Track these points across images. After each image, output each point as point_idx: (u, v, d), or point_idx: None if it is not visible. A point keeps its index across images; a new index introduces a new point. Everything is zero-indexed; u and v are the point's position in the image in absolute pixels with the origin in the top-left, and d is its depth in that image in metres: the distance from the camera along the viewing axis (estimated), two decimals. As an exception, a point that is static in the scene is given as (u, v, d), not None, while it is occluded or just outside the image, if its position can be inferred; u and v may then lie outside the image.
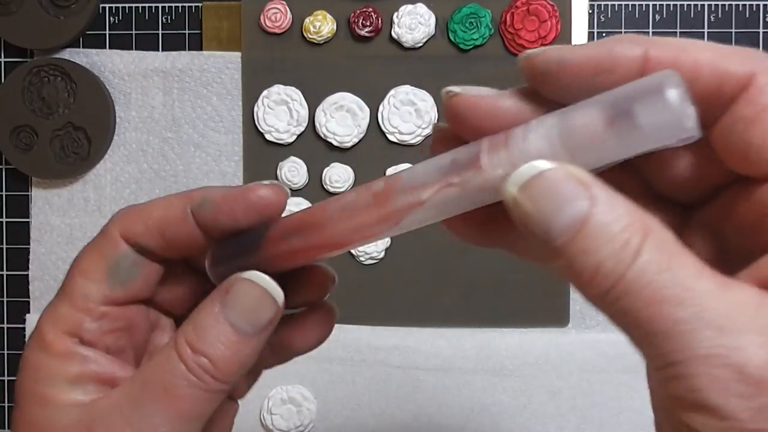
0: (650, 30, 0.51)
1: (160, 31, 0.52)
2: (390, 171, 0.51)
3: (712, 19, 0.50)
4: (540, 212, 0.17)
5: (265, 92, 0.51)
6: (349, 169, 0.51)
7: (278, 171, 0.51)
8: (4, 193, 0.53)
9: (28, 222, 0.53)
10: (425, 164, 0.20)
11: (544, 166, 0.17)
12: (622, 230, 0.17)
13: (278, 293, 0.23)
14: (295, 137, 0.51)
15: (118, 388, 0.22)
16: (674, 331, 0.16)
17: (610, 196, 0.17)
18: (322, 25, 0.50)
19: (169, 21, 0.52)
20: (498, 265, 0.51)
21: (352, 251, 0.51)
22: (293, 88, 0.51)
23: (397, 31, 0.50)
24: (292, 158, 0.51)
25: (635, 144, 0.17)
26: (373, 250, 0.51)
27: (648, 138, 0.17)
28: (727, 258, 0.19)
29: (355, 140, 0.51)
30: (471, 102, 0.20)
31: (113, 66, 0.52)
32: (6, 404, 0.53)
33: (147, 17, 0.52)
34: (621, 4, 0.51)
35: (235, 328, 0.22)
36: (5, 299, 0.53)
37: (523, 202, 0.17)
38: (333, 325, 0.27)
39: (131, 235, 0.23)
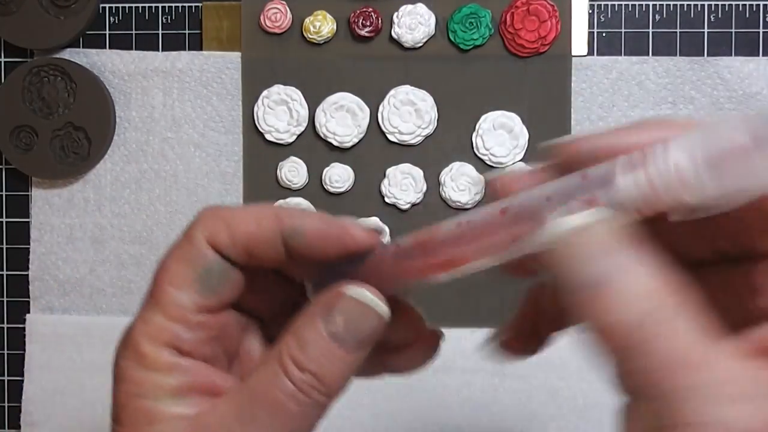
0: (650, 30, 0.51)
1: (160, 31, 0.52)
2: (390, 171, 0.51)
3: (712, 19, 0.50)
4: (567, 267, 0.18)
5: (265, 92, 0.51)
6: (349, 169, 0.51)
7: (278, 171, 0.51)
8: (4, 193, 0.53)
9: (28, 222, 0.53)
10: (552, 184, 0.19)
11: (585, 220, 0.18)
12: (643, 296, 0.17)
13: (381, 306, 0.22)
14: (295, 137, 0.51)
15: (223, 400, 0.22)
16: (670, 401, 0.17)
17: (640, 262, 0.18)
18: (322, 25, 0.50)
19: (169, 21, 0.52)
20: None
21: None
22: (293, 88, 0.51)
23: (397, 31, 0.50)
24: (292, 158, 0.51)
25: None
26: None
27: None
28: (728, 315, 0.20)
29: (355, 140, 0.51)
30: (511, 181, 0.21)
31: (113, 66, 0.52)
32: (6, 404, 0.53)
33: (147, 17, 0.52)
34: (621, 4, 0.51)
35: (340, 342, 0.22)
36: (5, 299, 0.53)
37: (556, 252, 0.18)
38: (438, 349, 0.27)
39: (217, 243, 0.23)
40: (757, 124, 0.16)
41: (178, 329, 0.22)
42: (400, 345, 0.26)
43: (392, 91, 0.50)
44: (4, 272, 0.53)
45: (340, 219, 0.23)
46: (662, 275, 0.18)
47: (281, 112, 0.51)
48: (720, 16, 0.50)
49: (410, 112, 0.50)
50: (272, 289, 0.25)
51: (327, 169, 0.51)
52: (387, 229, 0.24)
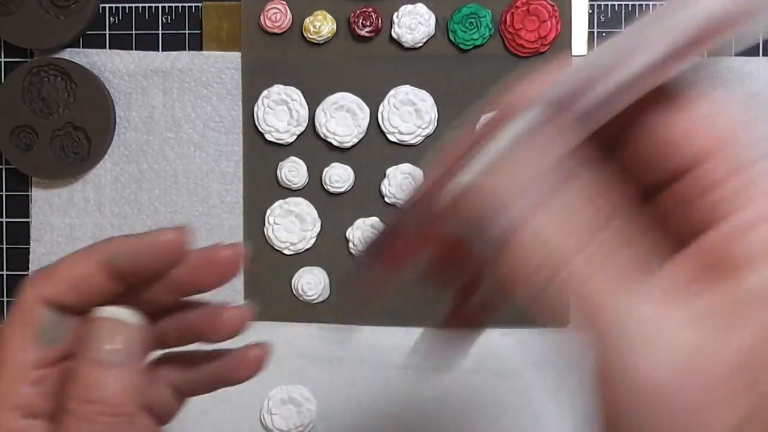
0: (650, 30, 0.51)
1: (160, 31, 0.52)
2: (390, 171, 0.51)
3: (712, 19, 0.50)
4: (471, 225, 0.18)
5: (265, 92, 0.51)
6: (349, 169, 0.51)
7: (278, 171, 0.51)
8: (4, 193, 0.53)
9: (28, 222, 0.53)
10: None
11: (478, 171, 0.18)
12: (550, 240, 0.18)
13: (126, 316, 0.23)
14: (295, 137, 0.51)
15: None
16: (598, 341, 0.17)
17: (552, 203, 0.18)
18: (322, 25, 0.50)
19: (169, 21, 0.52)
20: (498, 265, 0.51)
21: (352, 251, 0.51)
22: (293, 88, 0.51)
23: (397, 31, 0.50)
24: (292, 158, 0.51)
25: None
26: (373, 250, 0.51)
27: None
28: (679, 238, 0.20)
29: (355, 140, 0.51)
30: None
31: (113, 66, 0.52)
32: (6, 404, 0.53)
33: (147, 17, 0.52)
34: (621, 4, 0.51)
35: (105, 364, 0.23)
36: (5, 299, 0.53)
37: (458, 211, 0.19)
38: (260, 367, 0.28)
39: (47, 298, 0.24)
40: None
41: (19, 389, 0.23)
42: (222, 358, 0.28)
43: (392, 91, 0.50)
44: (4, 272, 0.53)
45: (152, 231, 0.24)
46: (577, 213, 0.18)
47: (281, 112, 0.51)
48: (720, 16, 0.50)
49: (410, 112, 0.50)
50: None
51: (327, 169, 0.51)
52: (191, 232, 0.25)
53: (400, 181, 0.51)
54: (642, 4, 0.51)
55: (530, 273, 0.18)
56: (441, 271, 0.24)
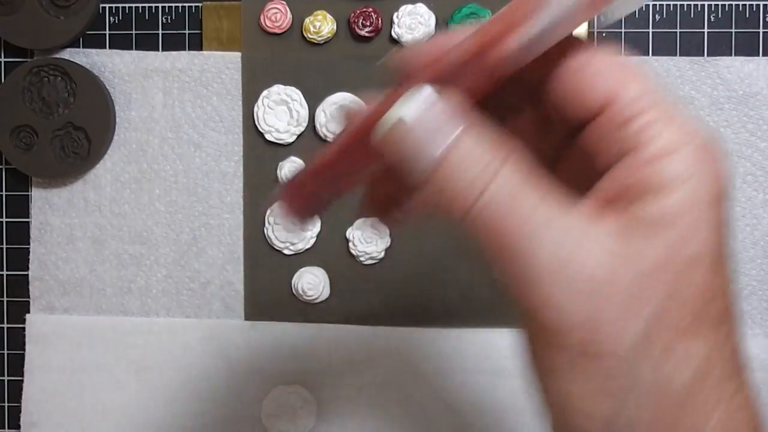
0: (650, 30, 0.51)
1: (160, 31, 0.52)
2: (390, 171, 0.51)
3: (712, 19, 0.50)
4: (404, 158, 0.20)
5: (265, 92, 0.51)
6: (349, 169, 0.51)
7: (278, 171, 0.51)
8: (4, 193, 0.53)
9: (28, 222, 0.53)
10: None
11: (405, 112, 0.19)
12: (474, 165, 0.19)
13: None
14: (295, 137, 0.51)
15: None
16: (515, 255, 0.19)
17: (470, 134, 0.19)
18: (322, 25, 0.50)
19: (169, 21, 0.52)
20: (498, 265, 0.51)
21: (352, 251, 0.51)
22: (293, 88, 0.51)
23: (397, 31, 0.50)
24: (292, 158, 0.51)
25: None
26: (374, 250, 0.51)
27: None
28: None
29: (355, 140, 0.51)
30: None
31: (113, 66, 0.52)
32: (6, 404, 0.53)
33: (147, 17, 0.52)
34: (621, 4, 0.51)
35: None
36: (5, 299, 0.53)
37: (388, 150, 0.20)
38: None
39: None
40: None
41: None
42: None
43: (392, 91, 0.50)
44: (4, 272, 0.53)
45: None
46: (494, 141, 0.20)
47: (281, 112, 0.51)
48: (720, 16, 0.50)
49: (410, 112, 0.50)
50: None
51: (327, 169, 0.51)
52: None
53: (400, 181, 0.51)
54: (642, 5, 0.51)
55: (458, 192, 0.19)
56: (374, 204, 0.25)
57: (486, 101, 0.21)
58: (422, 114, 0.19)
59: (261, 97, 0.51)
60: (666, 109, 0.20)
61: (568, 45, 0.21)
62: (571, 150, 0.23)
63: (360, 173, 0.22)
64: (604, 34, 0.51)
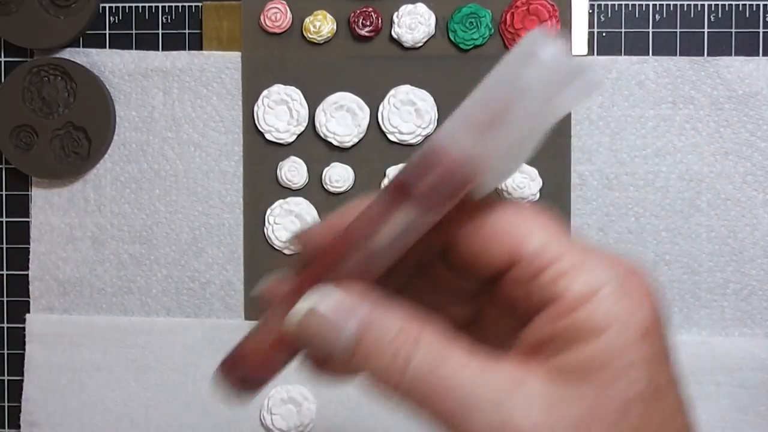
0: (650, 30, 0.51)
1: (160, 31, 0.52)
2: (390, 171, 0.51)
3: (712, 19, 0.51)
4: (318, 346, 0.20)
5: (265, 92, 0.51)
6: (349, 169, 0.51)
7: (278, 171, 0.51)
8: (4, 193, 0.53)
9: (28, 222, 0.53)
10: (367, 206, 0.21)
11: (314, 302, 0.20)
12: (392, 341, 0.19)
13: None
14: (295, 137, 0.51)
15: None
16: (452, 420, 0.19)
17: (380, 312, 0.20)
18: (322, 25, 0.50)
19: (169, 21, 0.52)
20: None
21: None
22: (293, 88, 0.51)
23: (397, 31, 0.50)
24: (292, 158, 0.51)
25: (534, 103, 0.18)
26: (373, 250, 0.51)
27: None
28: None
29: (355, 140, 0.51)
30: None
31: (113, 66, 0.52)
32: (6, 404, 0.53)
33: (147, 17, 0.52)
34: (621, 4, 0.51)
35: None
36: (5, 299, 0.53)
37: (303, 339, 0.20)
38: None
39: None
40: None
41: None
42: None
43: (392, 91, 0.50)
44: (4, 272, 0.53)
45: None
46: (406, 315, 0.20)
47: (281, 111, 0.51)
48: (720, 16, 0.50)
49: (410, 111, 0.50)
50: None
51: (327, 168, 0.51)
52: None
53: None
54: (642, 5, 0.51)
55: (383, 369, 0.20)
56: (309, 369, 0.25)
57: (394, 268, 0.21)
58: (328, 306, 0.20)
59: (261, 97, 0.51)
60: (576, 252, 0.20)
61: (468, 206, 0.21)
62: (491, 303, 0.23)
63: (281, 361, 0.23)
64: (604, 34, 0.51)
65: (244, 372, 0.23)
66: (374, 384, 0.20)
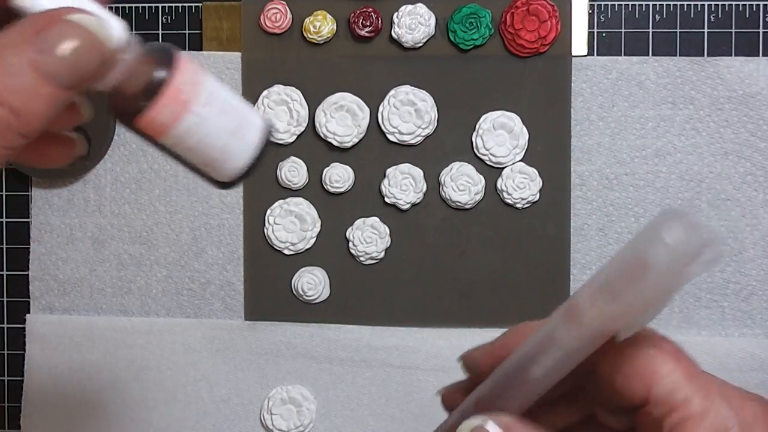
0: (650, 30, 0.51)
1: (160, 31, 0.52)
2: (390, 171, 0.51)
3: (712, 19, 0.51)
4: None
5: (265, 92, 0.51)
6: (349, 169, 0.51)
7: (278, 171, 0.51)
8: (4, 193, 0.53)
9: (28, 222, 0.53)
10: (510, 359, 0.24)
11: (480, 422, 0.23)
12: None
13: (108, 35, 0.19)
14: (295, 137, 0.51)
15: None
16: None
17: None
18: (322, 25, 0.50)
19: (169, 21, 0.52)
20: (497, 265, 0.51)
21: (352, 251, 0.51)
22: (293, 88, 0.51)
23: (397, 31, 0.50)
24: (292, 158, 0.51)
25: (666, 280, 0.20)
26: (374, 250, 0.51)
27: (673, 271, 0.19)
28: None
29: (355, 140, 0.51)
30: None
31: (113, 66, 0.52)
32: (6, 404, 0.53)
33: (147, 17, 0.52)
34: (621, 4, 0.51)
35: (51, 79, 0.19)
36: (5, 299, 0.53)
37: None
38: (77, 153, 0.26)
39: None
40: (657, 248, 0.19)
41: None
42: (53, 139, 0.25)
43: (392, 91, 0.50)
44: (4, 272, 0.53)
45: None
46: None
47: (281, 112, 0.51)
48: (720, 16, 0.50)
49: (410, 112, 0.50)
50: None
51: (327, 169, 0.51)
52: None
53: (399, 181, 0.51)
54: (642, 5, 0.51)
55: None
56: None
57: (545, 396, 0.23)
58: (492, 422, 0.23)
59: (261, 97, 0.51)
60: (704, 395, 0.21)
61: (610, 346, 0.22)
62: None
63: None
64: (604, 34, 0.51)
65: None
66: None
